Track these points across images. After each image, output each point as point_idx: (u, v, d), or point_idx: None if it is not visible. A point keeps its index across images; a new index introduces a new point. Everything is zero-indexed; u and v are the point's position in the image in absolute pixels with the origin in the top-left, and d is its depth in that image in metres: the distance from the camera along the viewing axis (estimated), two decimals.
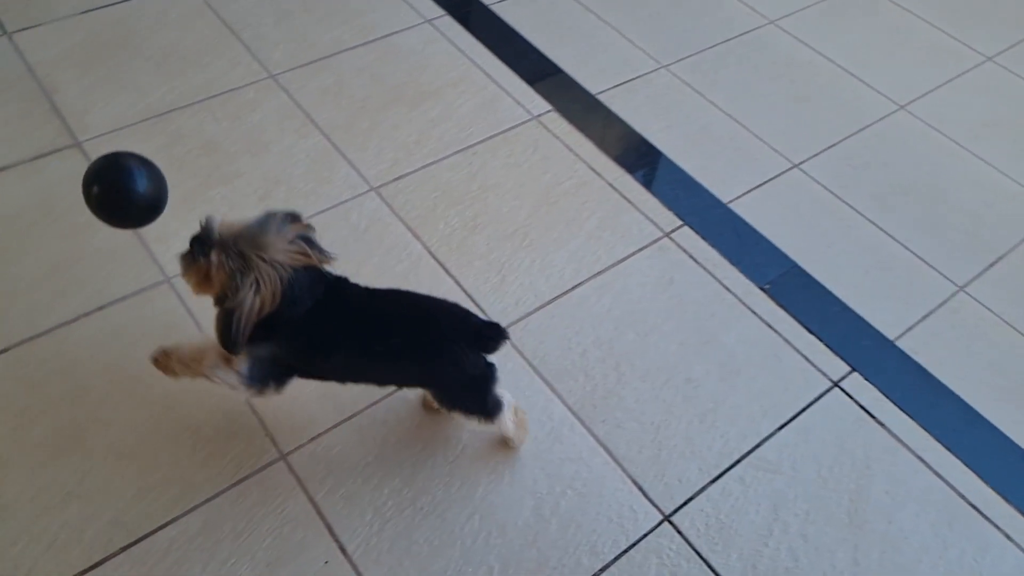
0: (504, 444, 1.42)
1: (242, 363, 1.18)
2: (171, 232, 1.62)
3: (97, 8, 2.03)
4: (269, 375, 1.22)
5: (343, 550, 1.27)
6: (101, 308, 1.49)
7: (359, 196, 1.77)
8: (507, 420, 1.34)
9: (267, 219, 1.13)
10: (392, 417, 1.44)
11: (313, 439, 1.39)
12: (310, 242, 1.16)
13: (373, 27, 2.14)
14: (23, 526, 1.23)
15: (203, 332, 1.47)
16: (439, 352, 1.21)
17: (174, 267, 1.57)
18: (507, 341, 1.23)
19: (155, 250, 1.59)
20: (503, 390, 1.30)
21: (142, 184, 1.12)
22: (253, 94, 1.93)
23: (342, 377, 1.30)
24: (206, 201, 1.69)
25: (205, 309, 1.45)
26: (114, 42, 1.97)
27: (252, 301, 1.07)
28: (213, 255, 1.09)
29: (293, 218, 1.16)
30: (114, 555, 1.22)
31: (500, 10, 2.30)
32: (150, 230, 1.61)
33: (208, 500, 1.29)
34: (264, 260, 1.08)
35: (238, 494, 1.31)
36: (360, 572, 1.25)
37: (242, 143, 1.82)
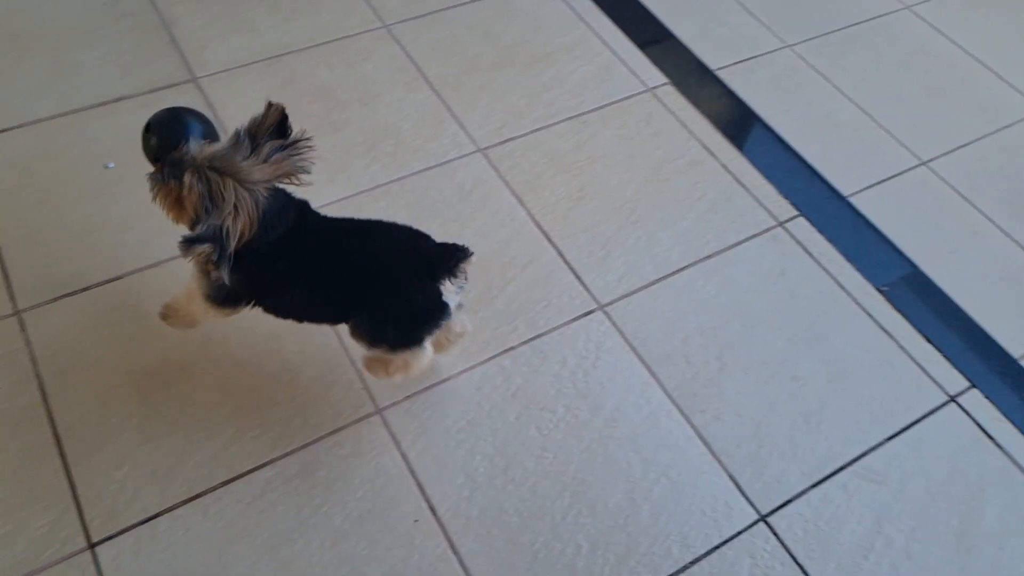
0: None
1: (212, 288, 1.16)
2: None
3: None
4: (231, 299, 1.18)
5: (433, 511, 1.27)
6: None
7: (465, 156, 1.73)
8: (421, 359, 1.22)
9: (242, 139, 1.07)
10: (487, 384, 1.42)
11: (408, 397, 1.38)
12: (286, 150, 1.10)
13: None
14: (128, 451, 1.26)
15: None
16: (389, 287, 1.15)
17: None
18: (469, 260, 1.15)
19: None
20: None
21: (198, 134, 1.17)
22: (366, 43, 1.90)
23: (297, 313, 1.23)
24: (314, 149, 1.68)
25: None
26: None
27: (232, 229, 1.02)
28: (185, 177, 1.03)
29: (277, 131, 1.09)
30: (213, 489, 1.24)
31: None
32: None
33: (305, 446, 1.30)
34: (241, 184, 1.04)
35: (334, 443, 1.32)
36: (449, 534, 1.25)
37: (353, 92, 1.80)
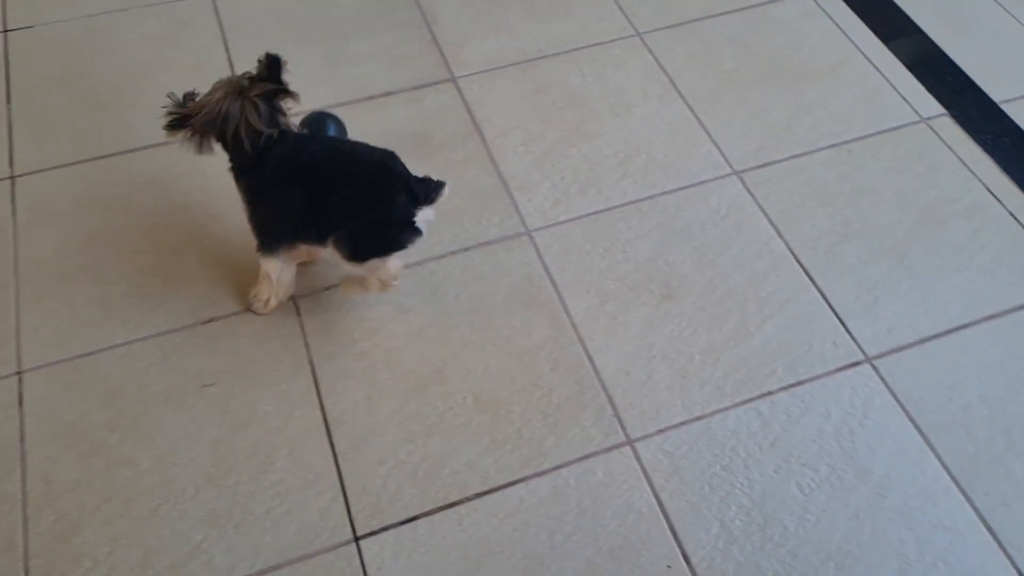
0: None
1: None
2: (533, 183, 1.61)
3: None
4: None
5: (686, 558, 1.21)
6: (467, 249, 1.52)
7: (720, 178, 1.65)
8: (393, 262, 1.31)
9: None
10: (743, 428, 1.34)
11: (660, 431, 1.33)
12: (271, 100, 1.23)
13: None
14: (391, 448, 1.30)
15: (558, 293, 1.46)
16: (369, 200, 1.25)
17: (535, 220, 1.57)
18: (443, 192, 1.26)
19: (518, 199, 1.59)
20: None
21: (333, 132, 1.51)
22: (619, 51, 1.86)
23: (292, 227, 1.31)
24: (566, 157, 1.66)
25: (560, 269, 1.47)
26: None
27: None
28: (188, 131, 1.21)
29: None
30: (468, 499, 1.25)
31: None
32: (516, 180, 1.61)
33: (556, 468, 1.28)
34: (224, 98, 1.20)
35: (584, 469, 1.29)
36: None
37: (605, 101, 1.76)
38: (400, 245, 1.29)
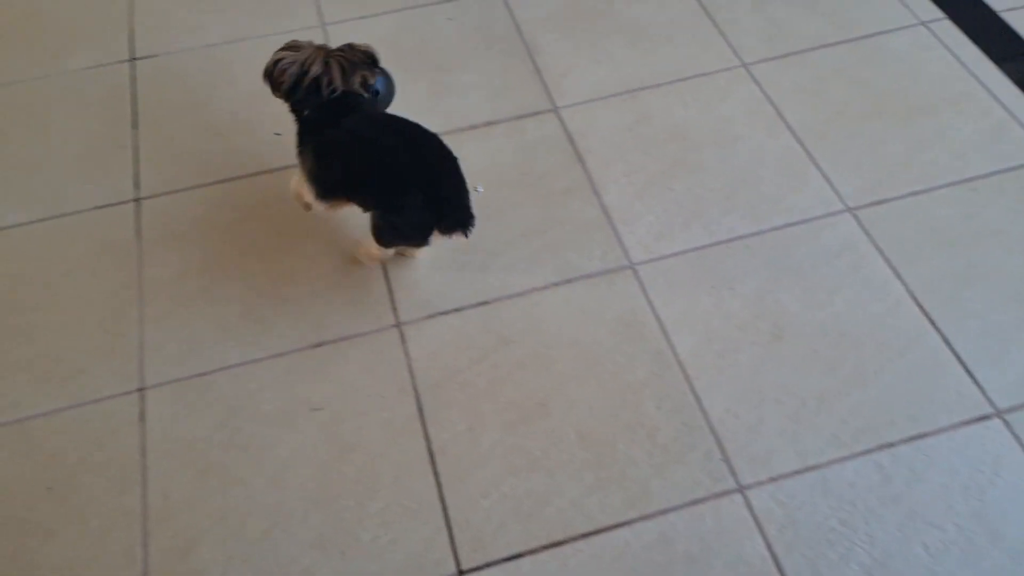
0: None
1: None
2: (636, 215, 1.59)
3: None
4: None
5: None
6: (569, 281, 1.51)
7: (832, 215, 1.59)
8: (385, 252, 1.46)
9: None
10: (862, 481, 1.27)
11: (772, 479, 1.28)
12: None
13: (858, 24, 1.92)
14: (494, 481, 1.29)
15: (663, 329, 1.44)
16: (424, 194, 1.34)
17: (639, 254, 1.55)
18: (466, 232, 1.36)
19: (621, 231, 1.57)
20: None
21: (381, 87, 1.61)
22: (723, 82, 1.83)
23: (346, 188, 1.42)
24: (668, 189, 1.64)
25: (665, 305, 1.44)
26: (593, 9, 1.97)
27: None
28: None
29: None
30: (573, 539, 1.22)
31: (1013, 19, 1.94)
32: (618, 212, 1.59)
33: (663, 512, 1.25)
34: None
35: (692, 515, 1.25)
36: None
37: (709, 133, 1.73)
38: (417, 243, 1.44)
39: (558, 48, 1.91)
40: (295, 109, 1.40)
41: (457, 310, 1.48)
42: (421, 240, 1.40)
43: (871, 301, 1.48)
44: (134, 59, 1.91)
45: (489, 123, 1.77)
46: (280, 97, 1.38)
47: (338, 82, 1.33)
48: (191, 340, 1.44)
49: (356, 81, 1.36)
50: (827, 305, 1.48)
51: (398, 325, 1.46)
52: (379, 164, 1.35)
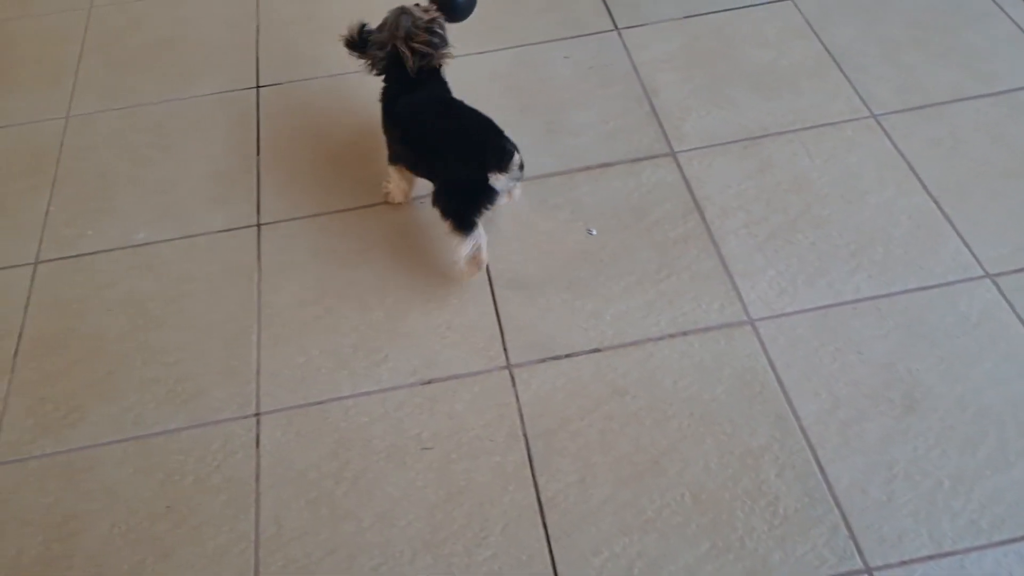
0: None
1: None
2: (757, 269, 1.54)
3: (698, 14, 2.02)
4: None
5: None
6: (685, 333, 1.46)
7: (970, 280, 1.50)
8: (466, 246, 1.47)
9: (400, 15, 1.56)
10: (1003, 572, 1.19)
11: (904, 563, 1.19)
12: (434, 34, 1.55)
13: (998, 77, 1.82)
14: (605, 539, 1.25)
15: (784, 392, 1.37)
16: (459, 151, 1.50)
17: (759, 309, 1.50)
18: (511, 161, 1.44)
19: (740, 285, 1.52)
20: (482, 230, 1.48)
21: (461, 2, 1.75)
22: (851, 132, 1.75)
23: (410, 158, 1.60)
24: (792, 243, 1.57)
25: (787, 366, 1.37)
26: (713, 51, 1.94)
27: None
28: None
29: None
30: None
31: None
32: (738, 264, 1.53)
33: None
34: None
35: None
36: None
37: (835, 186, 1.66)
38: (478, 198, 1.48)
39: (676, 90, 1.88)
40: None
41: (569, 356, 1.45)
42: (479, 193, 1.46)
43: (1014, 377, 1.37)
44: (258, 87, 1.98)
45: (604, 165, 1.74)
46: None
47: (414, 68, 1.54)
48: (305, 368, 1.46)
49: (436, 62, 1.57)
50: (964, 378, 1.39)
51: (508, 367, 1.44)
52: (428, 136, 1.55)
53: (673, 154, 1.76)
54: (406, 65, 1.53)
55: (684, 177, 1.71)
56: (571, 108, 1.87)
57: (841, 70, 1.88)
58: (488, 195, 1.46)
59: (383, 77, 1.61)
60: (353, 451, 1.35)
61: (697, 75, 1.91)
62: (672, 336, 1.47)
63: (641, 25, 2.03)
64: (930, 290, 1.50)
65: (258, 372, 1.46)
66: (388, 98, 1.60)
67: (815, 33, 1.96)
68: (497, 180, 1.45)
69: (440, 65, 1.59)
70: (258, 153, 1.83)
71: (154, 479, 1.34)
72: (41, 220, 1.73)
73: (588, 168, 1.74)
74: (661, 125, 1.81)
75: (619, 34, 2.02)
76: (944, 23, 1.96)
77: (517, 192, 1.60)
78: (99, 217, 1.73)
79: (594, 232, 1.62)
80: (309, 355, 1.48)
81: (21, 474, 1.36)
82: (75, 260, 1.66)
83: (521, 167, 1.49)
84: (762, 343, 1.45)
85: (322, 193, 1.74)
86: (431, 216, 1.57)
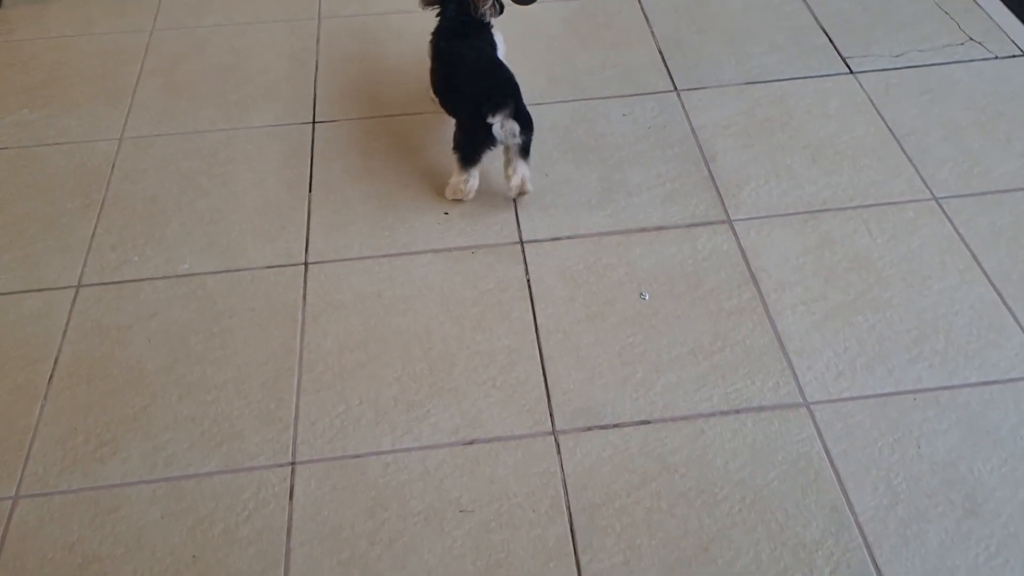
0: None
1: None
2: (814, 348, 1.49)
3: (759, 82, 2.01)
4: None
5: None
6: (737, 411, 1.41)
7: None
8: (459, 176, 1.71)
9: None
10: None
11: None
12: None
13: None
14: None
15: (840, 483, 1.31)
16: (469, 93, 1.71)
17: (815, 392, 1.45)
18: (501, 109, 1.62)
19: (796, 363, 1.48)
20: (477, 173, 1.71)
21: None
22: (912, 214, 1.72)
23: (440, 89, 1.83)
24: (850, 325, 1.52)
25: (843, 454, 1.30)
26: (772, 120, 1.92)
27: None
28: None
29: None
30: None
31: None
32: (794, 342, 1.48)
33: None
34: None
35: None
36: None
37: (896, 268, 1.62)
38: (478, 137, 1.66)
39: (735, 157, 1.85)
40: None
41: (616, 426, 1.41)
42: (480, 134, 1.63)
43: None
44: (314, 122, 1.98)
45: (659, 227, 1.71)
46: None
47: (478, 11, 1.76)
48: (345, 417, 1.42)
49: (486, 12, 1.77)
50: (1020, 483, 1.34)
51: (554, 433, 1.40)
52: (453, 76, 1.76)
53: (730, 221, 1.73)
54: (472, 8, 1.74)
55: (740, 246, 1.68)
56: (628, 166, 1.85)
57: (902, 149, 1.85)
58: (487, 138, 1.65)
59: (437, 13, 1.82)
60: (390, 511, 1.30)
61: (756, 143, 1.88)
62: (724, 413, 1.42)
63: (701, 88, 2.02)
64: (992, 385, 1.44)
65: (296, 418, 1.42)
66: (439, 34, 1.82)
67: (876, 109, 1.94)
68: (499, 129, 1.63)
69: (490, 21, 1.81)
70: (310, 190, 1.82)
71: (183, 525, 1.29)
72: (87, 242, 1.72)
73: (644, 230, 1.71)
74: (718, 191, 1.79)
75: (678, 95, 2.01)
76: (1007, 110, 1.94)
77: (523, 169, 1.71)
78: (145, 243, 1.72)
79: (647, 297, 1.59)
80: (349, 404, 1.44)
81: (46, 509, 1.32)
82: (118, 286, 1.64)
83: (524, 131, 1.65)
84: (817, 428, 1.40)
85: (372, 235, 1.72)
86: (481, 267, 1.56)
